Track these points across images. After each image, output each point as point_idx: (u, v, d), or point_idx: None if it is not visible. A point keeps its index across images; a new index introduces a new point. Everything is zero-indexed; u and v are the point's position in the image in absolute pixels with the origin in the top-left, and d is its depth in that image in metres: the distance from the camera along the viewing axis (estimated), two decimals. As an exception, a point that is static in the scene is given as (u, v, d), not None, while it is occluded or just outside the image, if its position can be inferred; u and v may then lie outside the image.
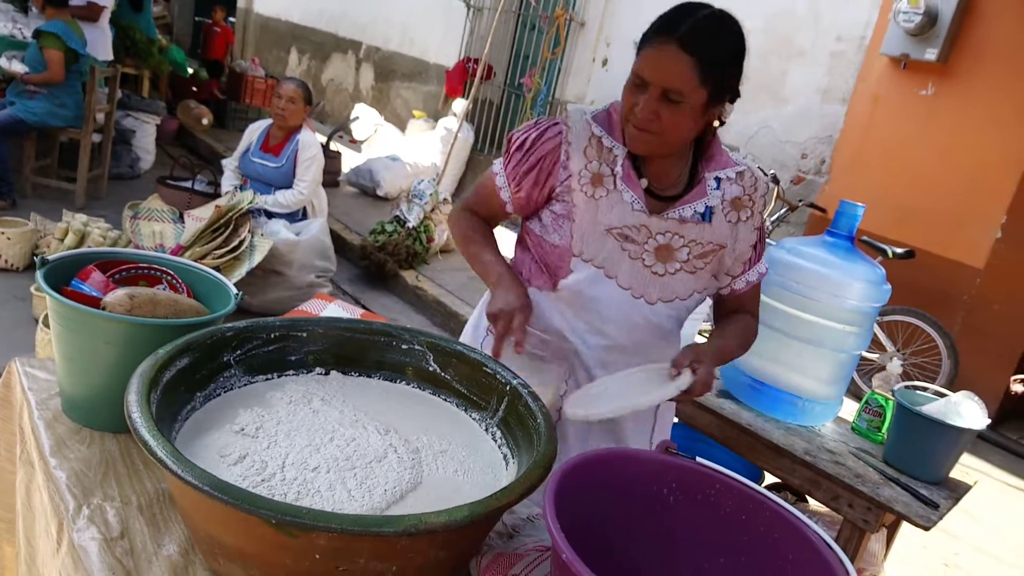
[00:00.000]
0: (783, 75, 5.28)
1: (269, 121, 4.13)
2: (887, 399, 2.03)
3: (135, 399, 0.91)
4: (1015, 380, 3.03)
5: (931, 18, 4.30)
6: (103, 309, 1.14)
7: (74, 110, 4.99)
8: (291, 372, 1.23)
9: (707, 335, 2.36)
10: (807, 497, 2.19)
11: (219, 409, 1.11)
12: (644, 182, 1.39)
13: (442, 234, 5.57)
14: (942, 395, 1.97)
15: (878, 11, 4.76)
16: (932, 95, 4.52)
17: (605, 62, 6.56)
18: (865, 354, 4.41)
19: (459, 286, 5.05)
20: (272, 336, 1.20)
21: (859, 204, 2.00)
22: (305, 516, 0.77)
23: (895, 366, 2.10)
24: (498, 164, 1.47)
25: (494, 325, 1.32)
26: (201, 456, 0.99)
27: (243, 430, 1.05)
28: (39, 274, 1.17)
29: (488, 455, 1.16)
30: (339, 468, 1.00)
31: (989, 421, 1.89)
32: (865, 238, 4.40)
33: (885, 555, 2.07)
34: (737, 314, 1.52)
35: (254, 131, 4.18)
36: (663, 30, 1.24)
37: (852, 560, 1.83)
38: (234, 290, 1.26)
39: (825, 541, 0.91)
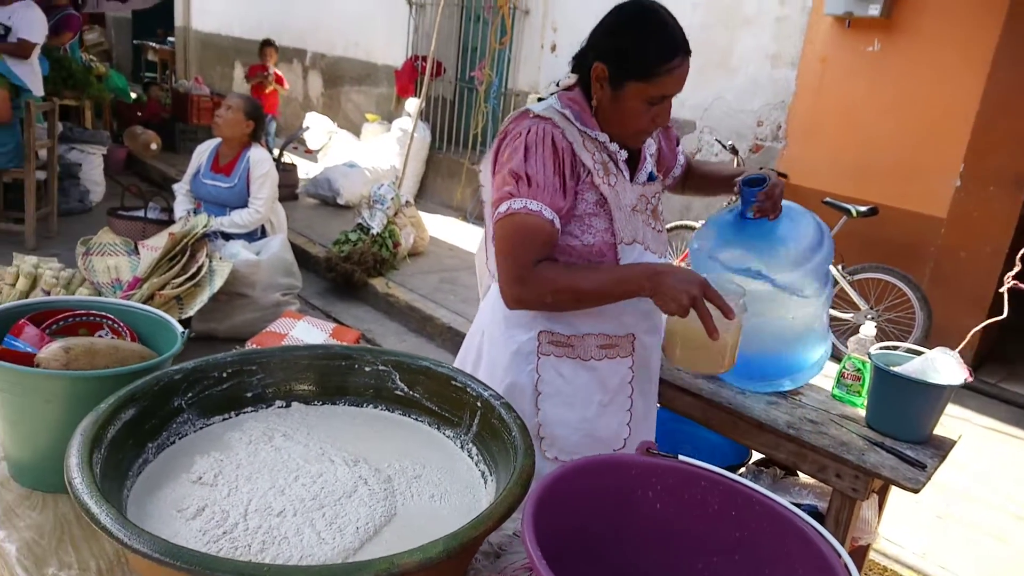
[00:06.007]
0: (730, 45, 5.27)
1: (218, 140, 4.02)
2: (864, 362, 2.02)
3: (75, 463, 0.85)
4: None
5: (871, -26, 4.31)
6: (37, 366, 1.07)
7: (13, 148, 4.82)
8: (249, 408, 1.17)
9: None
10: (796, 471, 2.18)
11: (174, 458, 1.05)
12: (624, 153, 1.53)
13: (408, 237, 5.49)
14: (918, 353, 1.95)
15: (819, -28, 4.77)
16: (879, 51, 4.53)
17: (554, 48, 6.51)
18: (839, 315, 4.43)
19: (432, 289, 4.98)
20: (224, 374, 1.14)
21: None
22: (267, 573, 0.72)
23: (869, 328, 2.08)
24: (518, 202, 1.39)
25: (695, 307, 1.30)
26: (156, 513, 0.93)
27: (201, 479, 0.99)
28: (-33, 335, 1.10)
29: (465, 475, 1.11)
30: (306, 510, 0.94)
31: (967, 375, 1.88)
32: (828, 199, 4.42)
33: (879, 519, 2.07)
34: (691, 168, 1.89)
35: (203, 152, 4.07)
36: (679, 50, 1.38)
37: (845, 530, 1.82)
38: (179, 328, 1.20)
39: (817, 530, 0.88)
